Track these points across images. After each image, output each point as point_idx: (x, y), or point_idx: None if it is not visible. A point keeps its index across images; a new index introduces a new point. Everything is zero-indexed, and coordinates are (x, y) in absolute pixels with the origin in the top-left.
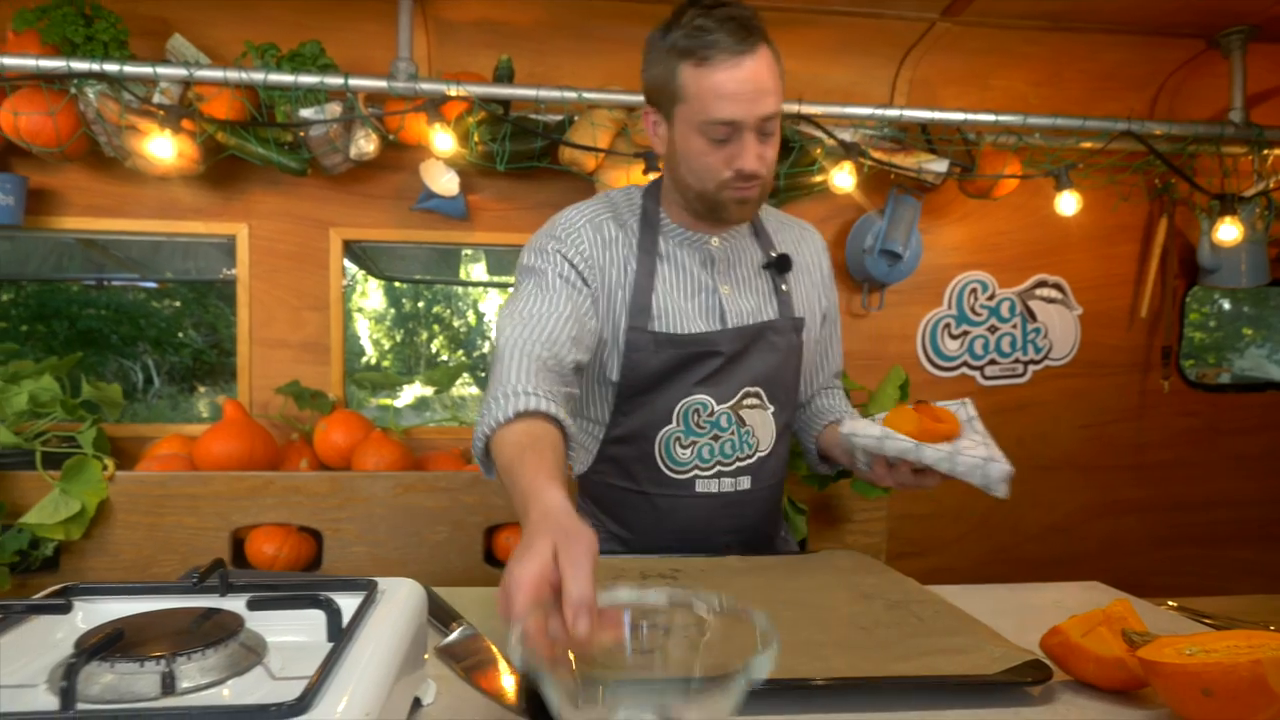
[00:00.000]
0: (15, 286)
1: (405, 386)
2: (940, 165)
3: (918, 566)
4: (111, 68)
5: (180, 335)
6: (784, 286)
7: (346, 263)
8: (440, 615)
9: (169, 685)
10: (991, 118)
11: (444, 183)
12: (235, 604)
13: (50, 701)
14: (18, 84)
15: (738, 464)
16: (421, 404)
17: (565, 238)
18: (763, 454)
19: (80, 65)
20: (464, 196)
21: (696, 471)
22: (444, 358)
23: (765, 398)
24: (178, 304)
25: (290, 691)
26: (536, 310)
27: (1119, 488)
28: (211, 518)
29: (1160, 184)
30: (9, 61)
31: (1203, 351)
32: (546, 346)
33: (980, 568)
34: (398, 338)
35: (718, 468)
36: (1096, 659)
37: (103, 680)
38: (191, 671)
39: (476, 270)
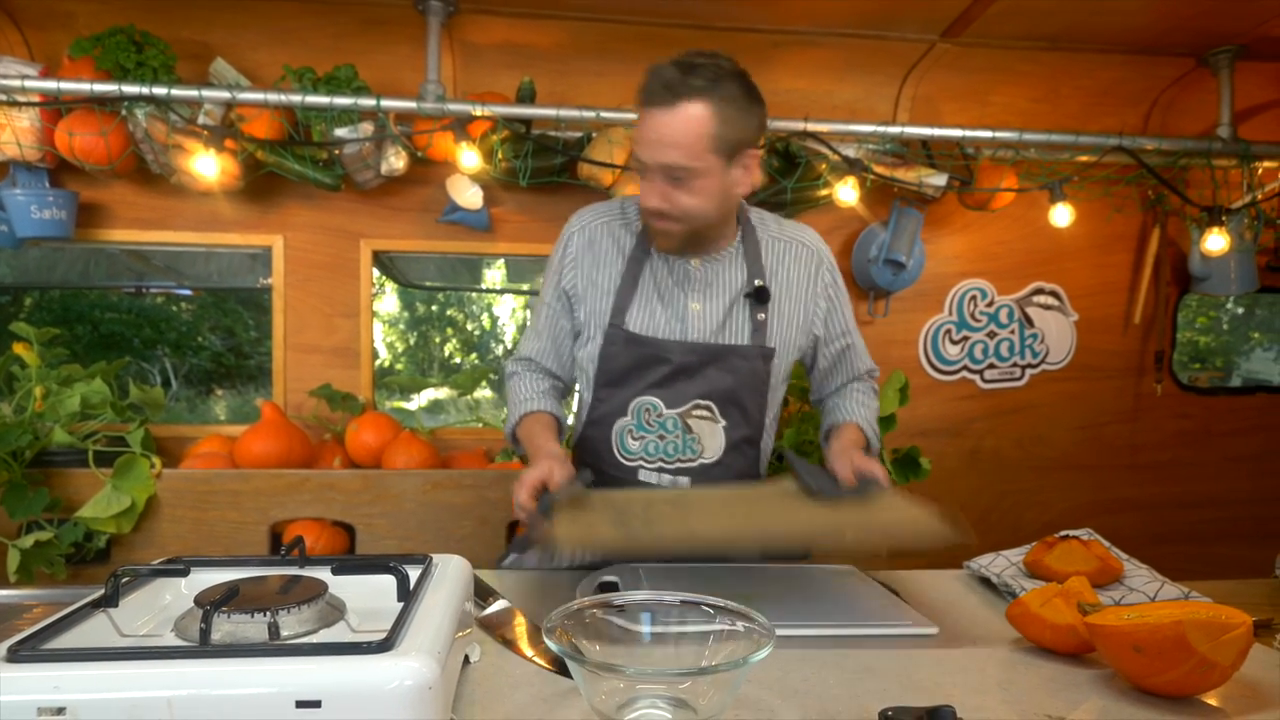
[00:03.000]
0: (40, 292)
1: (423, 389)
2: (940, 179)
3: (918, 564)
4: (160, 91)
5: (199, 339)
6: (761, 315)
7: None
8: (479, 592)
9: (274, 633)
10: (989, 134)
11: (469, 197)
12: (316, 572)
13: (183, 644)
14: (72, 106)
15: (679, 464)
16: (436, 406)
17: (564, 249)
18: (706, 461)
19: (131, 89)
20: (487, 209)
21: (642, 463)
22: (457, 361)
23: (716, 411)
24: (196, 309)
25: (369, 638)
26: (531, 346)
27: (1114, 487)
28: (252, 512)
29: (1153, 196)
30: (66, 86)
31: (1209, 355)
32: (539, 365)
33: None
34: (411, 341)
35: (660, 463)
36: (1052, 626)
37: (223, 628)
38: (291, 622)
39: (491, 275)
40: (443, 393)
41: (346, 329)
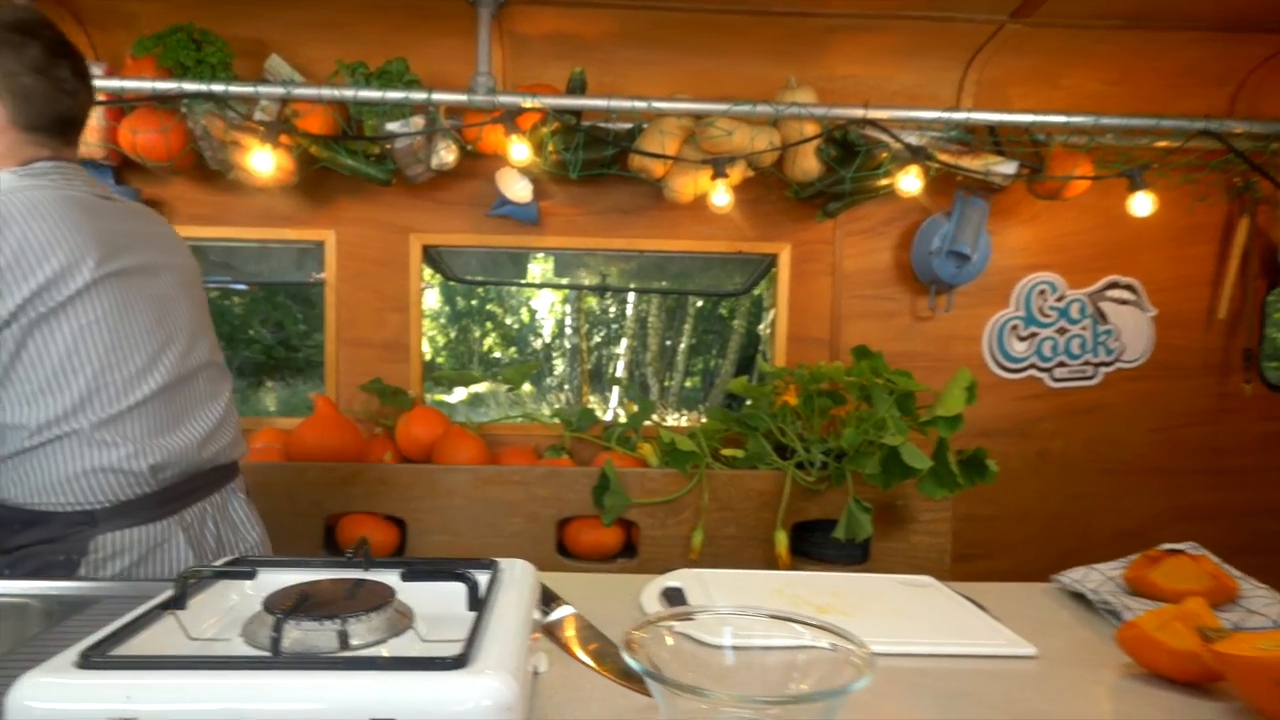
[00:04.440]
0: None
1: (472, 383)
2: (1009, 167)
3: (981, 569)
4: (218, 88)
5: (250, 332)
6: None
7: None
8: (541, 597)
9: (344, 641)
10: (1062, 118)
11: (518, 190)
12: (382, 576)
13: (249, 651)
14: (135, 104)
15: None
16: (475, 399)
17: None
18: None
19: (191, 86)
20: (536, 202)
21: None
22: (496, 355)
23: None
24: (247, 302)
25: (441, 651)
26: None
27: (1194, 493)
28: (307, 505)
29: (1241, 183)
30: (129, 84)
31: None
32: None
33: (1046, 572)
34: (452, 335)
35: None
36: (1170, 652)
37: (291, 635)
38: (360, 631)
39: (533, 269)
40: (482, 386)
41: (396, 323)
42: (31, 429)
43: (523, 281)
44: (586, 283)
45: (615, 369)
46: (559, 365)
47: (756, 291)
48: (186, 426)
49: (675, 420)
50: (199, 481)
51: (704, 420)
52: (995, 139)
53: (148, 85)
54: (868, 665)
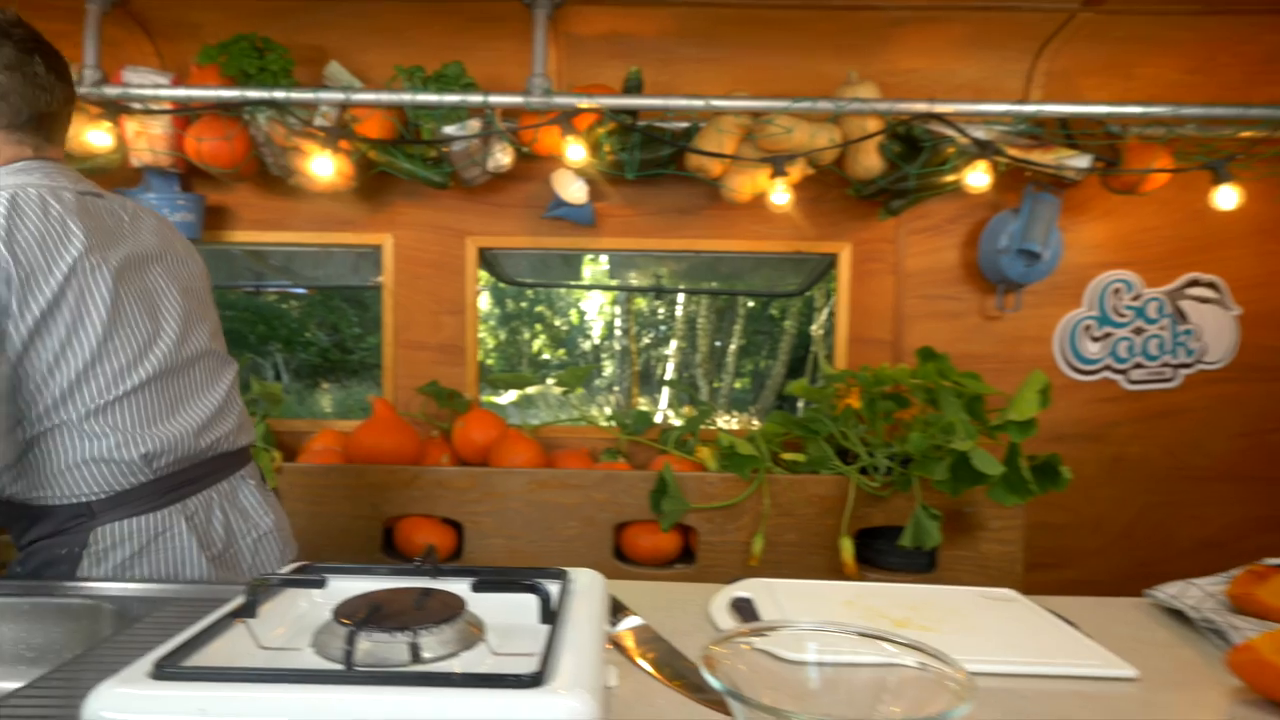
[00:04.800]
0: None
1: (528, 385)
2: (1082, 161)
3: (1052, 579)
4: (280, 95)
5: (307, 335)
6: None
7: None
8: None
9: (415, 654)
10: (1140, 109)
11: (574, 191)
12: (450, 585)
13: (321, 662)
14: (200, 112)
15: None
16: (525, 401)
17: None
18: None
19: (254, 94)
20: (591, 204)
21: None
22: (545, 356)
23: None
24: (304, 306)
25: (514, 666)
26: None
27: None
28: (366, 507)
29: None
30: (195, 93)
31: None
32: None
33: (1123, 583)
34: (501, 337)
35: None
36: None
37: (362, 647)
38: (432, 643)
39: (585, 271)
40: (531, 388)
41: (452, 326)
42: (31, 420)
43: (575, 283)
44: (636, 283)
45: (664, 370)
46: (608, 367)
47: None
48: (182, 415)
49: (725, 422)
50: (202, 470)
51: (755, 422)
52: (1067, 132)
53: (212, 93)
54: (967, 690)
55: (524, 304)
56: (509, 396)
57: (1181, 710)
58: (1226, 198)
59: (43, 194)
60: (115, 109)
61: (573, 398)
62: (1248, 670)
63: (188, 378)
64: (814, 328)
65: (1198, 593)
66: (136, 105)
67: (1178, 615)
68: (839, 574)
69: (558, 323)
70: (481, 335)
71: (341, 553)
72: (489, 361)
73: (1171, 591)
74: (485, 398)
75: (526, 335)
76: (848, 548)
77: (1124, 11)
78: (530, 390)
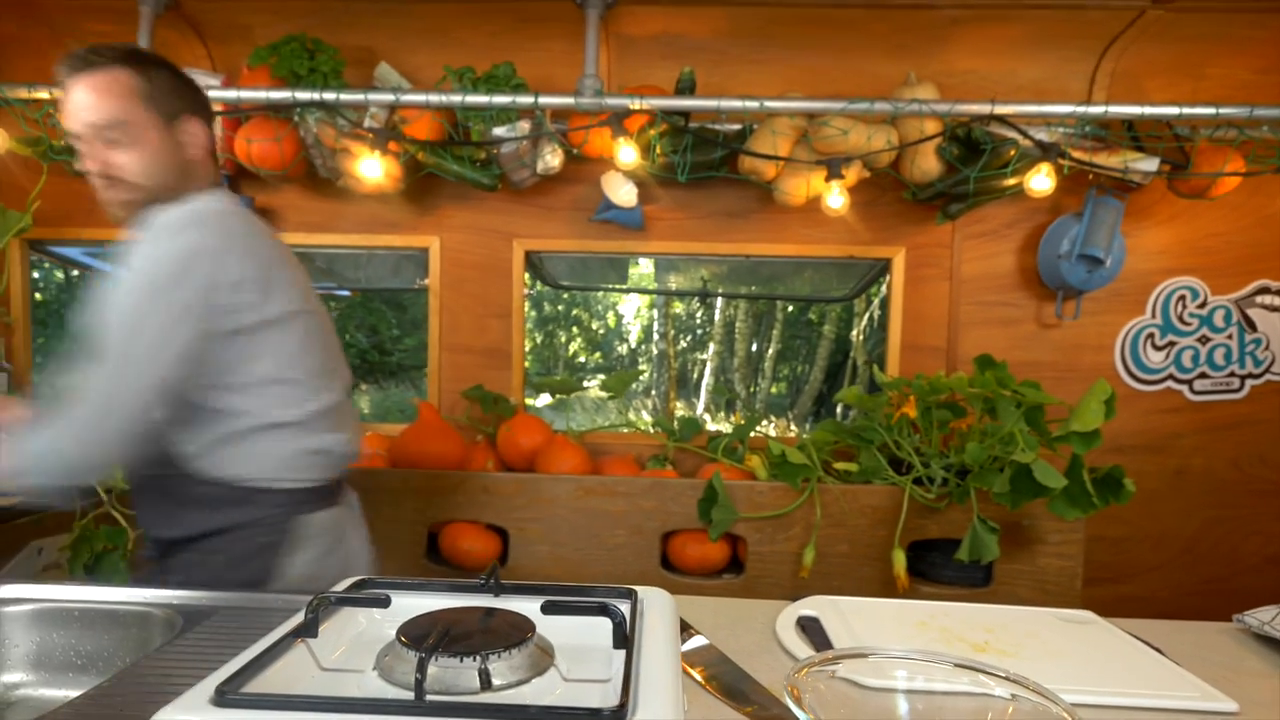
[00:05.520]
0: None
1: (575, 391)
2: (1150, 164)
3: (1110, 595)
4: (330, 96)
5: (347, 337)
6: None
7: None
8: None
9: (486, 681)
10: (1212, 110)
11: (623, 194)
12: (515, 604)
13: (386, 687)
14: (251, 114)
15: None
16: (561, 405)
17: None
18: None
19: (304, 95)
20: (640, 206)
21: None
22: (581, 359)
23: None
24: (344, 307)
25: (588, 694)
26: None
27: None
28: (410, 512)
29: None
30: (245, 94)
31: None
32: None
33: (1185, 599)
34: (538, 339)
35: None
36: None
37: (430, 672)
38: (502, 669)
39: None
40: (562, 394)
41: (498, 330)
42: (257, 415)
43: (617, 286)
44: (676, 287)
45: (701, 374)
46: (644, 370)
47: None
48: (354, 426)
49: (761, 428)
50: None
51: (793, 428)
52: (1133, 134)
53: (262, 95)
54: None
55: (560, 306)
56: (544, 400)
57: None
58: None
59: (263, 224)
60: None
61: (613, 402)
62: None
63: (350, 398)
64: (854, 334)
65: None
66: None
67: (1271, 643)
68: (891, 587)
69: (594, 325)
70: None
71: (386, 558)
72: (526, 364)
73: (1264, 617)
74: (525, 400)
75: (563, 338)
76: (900, 560)
77: (1194, 9)
78: (564, 395)
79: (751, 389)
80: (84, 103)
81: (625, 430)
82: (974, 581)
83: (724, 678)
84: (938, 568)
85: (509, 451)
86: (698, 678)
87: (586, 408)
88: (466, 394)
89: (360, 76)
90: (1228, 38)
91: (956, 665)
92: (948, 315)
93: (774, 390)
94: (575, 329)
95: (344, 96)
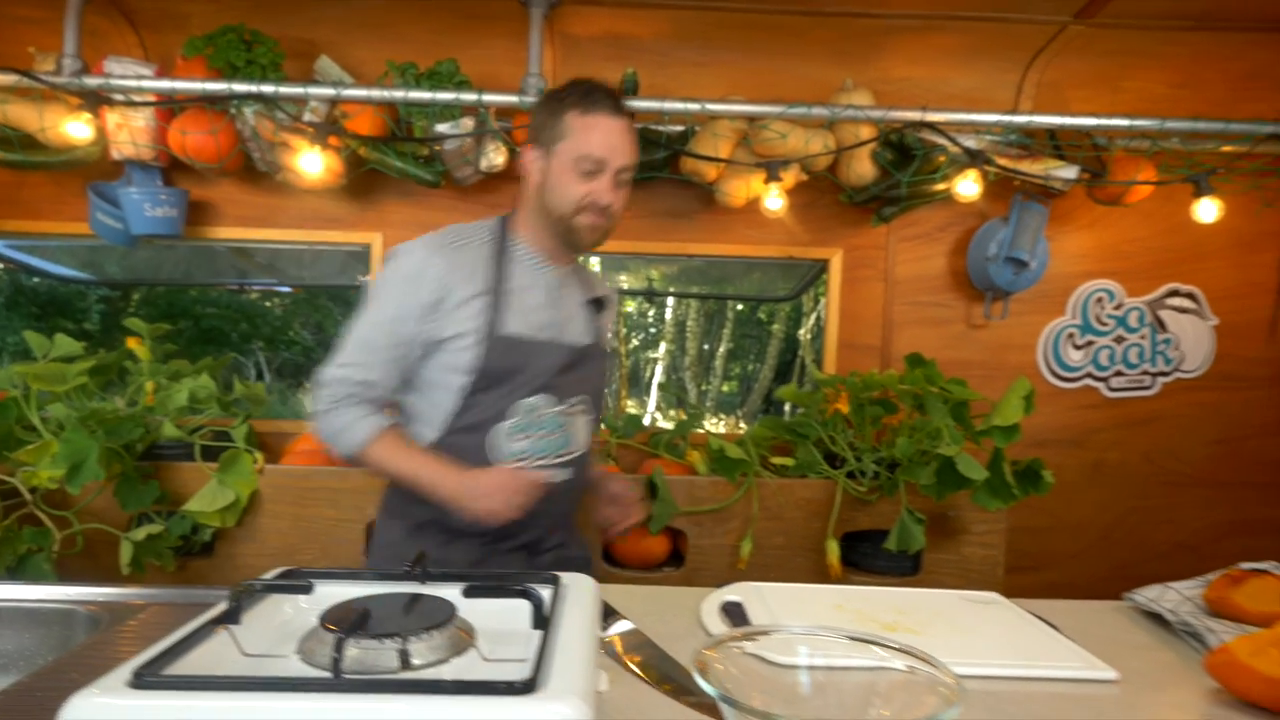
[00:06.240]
0: (146, 288)
1: None
2: (1069, 172)
3: (1032, 581)
4: (268, 89)
5: (290, 334)
6: (596, 323)
7: None
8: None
9: (405, 661)
10: (1126, 122)
11: None
12: (440, 590)
13: (307, 670)
14: (185, 105)
15: (559, 459)
16: None
17: (406, 266)
18: (579, 453)
19: (241, 87)
20: None
21: (526, 462)
22: None
23: (589, 405)
24: (288, 304)
25: (506, 672)
26: (361, 352)
27: (1254, 507)
28: (349, 510)
29: None
30: (180, 85)
31: None
32: (365, 382)
33: (1100, 584)
34: None
35: (543, 461)
36: (1266, 679)
37: (350, 654)
38: (421, 650)
39: None
40: None
41: None
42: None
43: None
44: (627, 286)
45: (653, 373)
46: None
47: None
48: None
49: (712, 425)
50: None
51: (743, 425)
52: (1055, 143)
53: (198, 86)
54: (955, 693)
55: None
56: None
57: (1160, 711)
58: (1207, 210)
59: None
60: (96, 100)
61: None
62: (1224, 673)
63: None
64: (802, 332)
65: (1175, 596)
66: (118, 97)
67: (1156, 618)
68: (825, 577)
69: None
70: None
71: (325, 556)
72: None
73: (1150, 595)
74: None
75: None
76: (834, 551)
77: (1114, 25)
78: None
79: (703, 387)
80: (624, 144)
81: None
82: (903, 570)
83: (647, 659)
84: (869, 558)
85: None
86: (622, 659)
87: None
88: None
89: (301, 69)
90: (1145, 53)
91: (852, 639)
92: (882, 315)
93: (725, 388)
94: None
95: (283, 89)
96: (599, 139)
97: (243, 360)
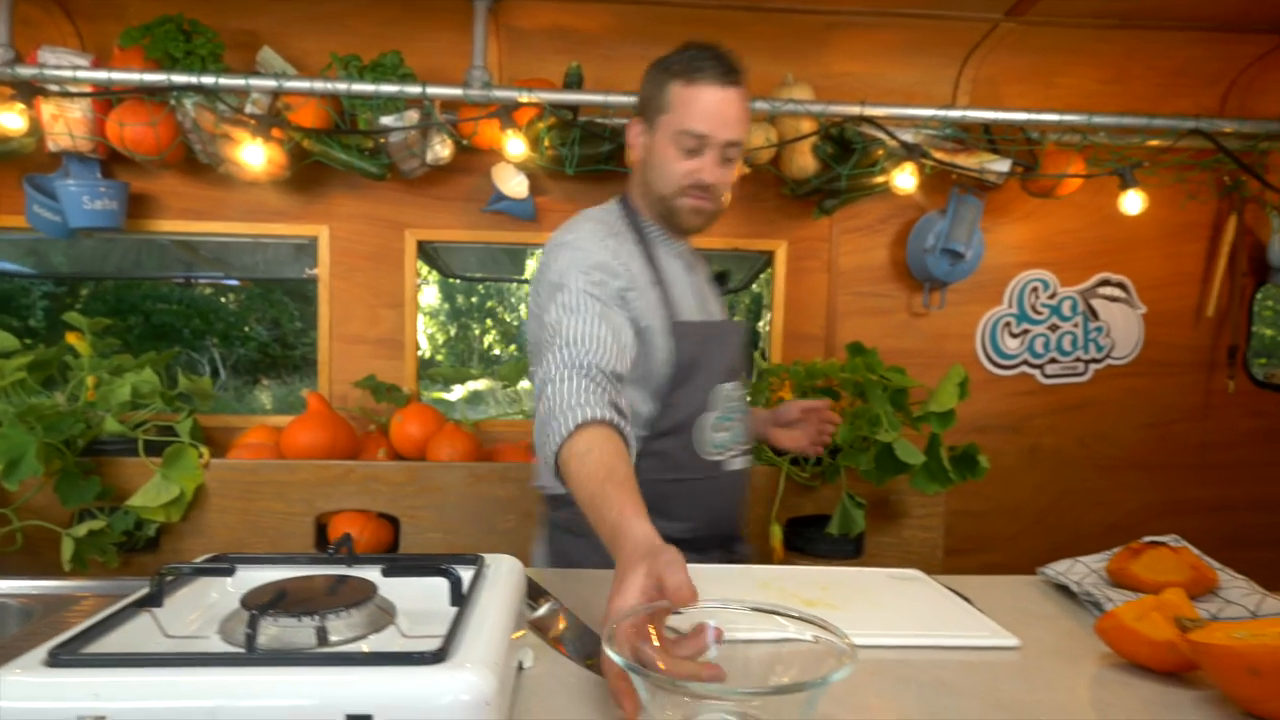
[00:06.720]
0: (94, 283)
1: (466, 380)
2: (1003, 165)
3: (973, 563)
4: (208, 80)
5: (246, 329)
6: (723, 297)
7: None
8: (530, 592)
9: (322, 637)
10: (1056, 117)
11: (514, 185)
12: (365, 572)
13: (224, 648)
14: (123, 97)
15: (747, 444)
16: (475, 397)
17: (592, 253)
18: (751, 443)
19: (180, 78)
20: (532, 198)
21: (729, 453)
22: (496, 352)
23: (742, 383)
24: (243, 299)
25: (421, 646)
26: (579, 332)
27: (1183, 488)
28: (298, 503)
29: (1230, 181)
30: (117, 76)
31: None
32: (594, 362)
33: (1038, 565)
34: (452, 332)
35: (738, 448)
36: (1150, 642)
37: (268, 632)
38: (339, 627)
39: (531, 265)
40: (482, 383)
41: (391, 320)
42: None
43: (520, 278)
44: None
45: None
46: None
47: (756, 289)
48: None
49: None
50: None
51: None
52: (990, 137)
53: (135, 76)
54: (849, 656)
55: (474, 299)
56: (458, 392)
57: (1053, 674)
58: (1132, 203)
59: None
60: (30, 90)
61: (518, 392)
62: (1112, 636)
63: None
64: (762, 324)
65: (1083, 569)
66: (53, 87)
67: (1065, 590)
68: (769, 560)
69: (508, 318)
70: (431, 330)
71: (273, 550)
72: (439, 357)
73: (1060, 569)
74: (435, 394)
75: (477, 330)
76: (777, 535)
77: (1045, 23)
78: (480, 385)
79: None
80: (732, 117)
81: (520, 418)
82: (846, 554)
83: (572, 636)
84: (813, 542)
85: (401, 441)
86: (547, 637)
87: (500, 400)
88: (359, 384)
89: (243, 60)
90: (1075, 50)
91: (754, 610)
92: (826, 305)
93: None
94: (489, 321)
95: (223, 81)
96: (701, 112)
97: (196, 357)
